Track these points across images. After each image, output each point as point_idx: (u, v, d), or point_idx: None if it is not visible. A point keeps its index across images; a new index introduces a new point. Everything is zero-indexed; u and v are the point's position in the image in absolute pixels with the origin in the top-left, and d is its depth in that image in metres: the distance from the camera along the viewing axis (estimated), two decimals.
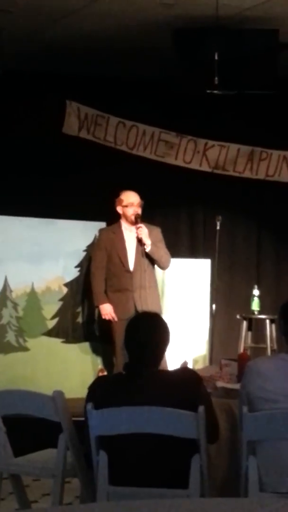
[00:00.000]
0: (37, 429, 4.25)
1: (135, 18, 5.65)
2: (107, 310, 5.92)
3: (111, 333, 5.98)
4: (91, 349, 6.46)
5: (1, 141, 6.69)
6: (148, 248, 5.82)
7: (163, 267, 6.03)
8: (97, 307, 6.04)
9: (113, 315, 5.88)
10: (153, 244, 5.86)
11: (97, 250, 6.10)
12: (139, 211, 5.91)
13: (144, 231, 5.81)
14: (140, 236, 5.81)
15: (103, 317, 5.96)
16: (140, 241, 5.83)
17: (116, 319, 5.87)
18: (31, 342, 6.24)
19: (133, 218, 5.86)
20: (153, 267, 5.98)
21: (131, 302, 5.83)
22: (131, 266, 5.89)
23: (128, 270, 5.89)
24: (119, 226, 5.99)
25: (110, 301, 5.94)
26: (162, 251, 5.94)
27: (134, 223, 5.85)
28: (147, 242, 5.81)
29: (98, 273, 6.00)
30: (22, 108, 6.68)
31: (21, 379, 6.03)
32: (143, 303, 5.77)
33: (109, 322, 5.98)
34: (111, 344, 5.98)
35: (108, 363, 6.28)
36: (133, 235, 5.88)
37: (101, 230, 6.21)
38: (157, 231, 6.02)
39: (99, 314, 6.05)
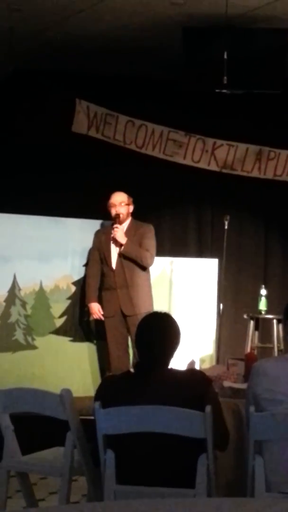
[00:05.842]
0: (44, 427, 4.27)
1: (144, 16, 5.66)
2: (93, 309, 6.06)
3: (104, 331, 6.09)
4: (98, 348, 6.47)
5: (10, 139, 6.70)
6: (121, 248, 5.89)
7: (143, 266, 5.98)
8: (87, 305, 6.14)
9: (99, 314, 6.00)
10: (133, 242, 5.90)
11: (91, 250, 6.21)
12: (121, 210, 5.97)
13: (118, 232, 5.88)
14: (114, 236, 5.90)
15: (91, 316, 6.11)
16: (116, 241, 5.91)
17: (101, 317, 6.00)
18: (39, 341, 6.25)
19: (116, 218, 5.95)
20: (140, 266, 5.99)
21: (116, 300, 5.93)
22: (114, 265, 5.96)
23: (111, 269, 5.98)
24: (111, 226, 6.05)
25: (101, 299, 6.04)
26: (139, 250, 5.92)
27: (115, 223, 5.93)
28: (122, 241, 5.89)
29: (89, 272, 6.14)
30: (31, 106, 6.70)
31: (29, 377, 6.05)
32: (127, 302, 5.88)
33: (100, 320, 6.08)
34: (105, 341, 6.07)
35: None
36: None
37: (96, 231, 6.25)
38: (145, 228, 6.05)
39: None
